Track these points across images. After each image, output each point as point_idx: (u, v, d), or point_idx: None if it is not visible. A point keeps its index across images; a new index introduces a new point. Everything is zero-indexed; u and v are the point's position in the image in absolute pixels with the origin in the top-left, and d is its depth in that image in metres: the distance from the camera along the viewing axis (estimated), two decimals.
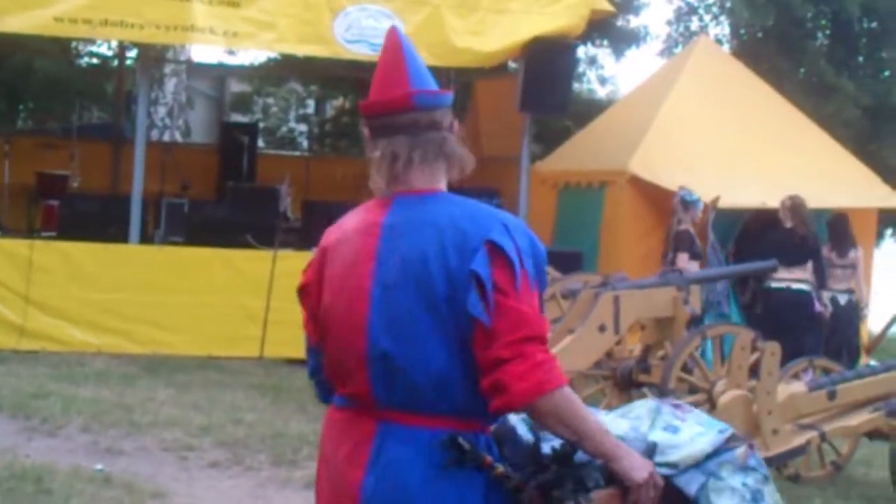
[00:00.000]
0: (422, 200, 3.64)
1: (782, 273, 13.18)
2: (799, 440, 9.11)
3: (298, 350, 14.66)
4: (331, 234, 3.80)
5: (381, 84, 3.69)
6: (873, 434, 9.56)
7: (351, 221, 3.76)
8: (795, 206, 13.59)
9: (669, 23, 26.67)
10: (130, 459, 9.12)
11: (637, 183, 15.44)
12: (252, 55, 28.38)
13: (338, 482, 3.65)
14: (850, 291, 14.19)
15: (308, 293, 3.83)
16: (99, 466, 8.72)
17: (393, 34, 3.75)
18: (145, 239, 14.72)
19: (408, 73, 3.67)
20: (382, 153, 3.64)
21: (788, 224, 13.60)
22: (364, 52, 14.75)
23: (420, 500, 3.53)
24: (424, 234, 3.56)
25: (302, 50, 16.09)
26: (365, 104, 3.72)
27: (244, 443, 9.82)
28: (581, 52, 24.57)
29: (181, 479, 8.68)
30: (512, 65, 16.96)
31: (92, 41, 24.40)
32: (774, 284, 13.48)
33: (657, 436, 3.77)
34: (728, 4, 24.60)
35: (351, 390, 3.66)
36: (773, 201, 14.04)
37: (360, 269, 3.62)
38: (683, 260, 13.14)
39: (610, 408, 11.27)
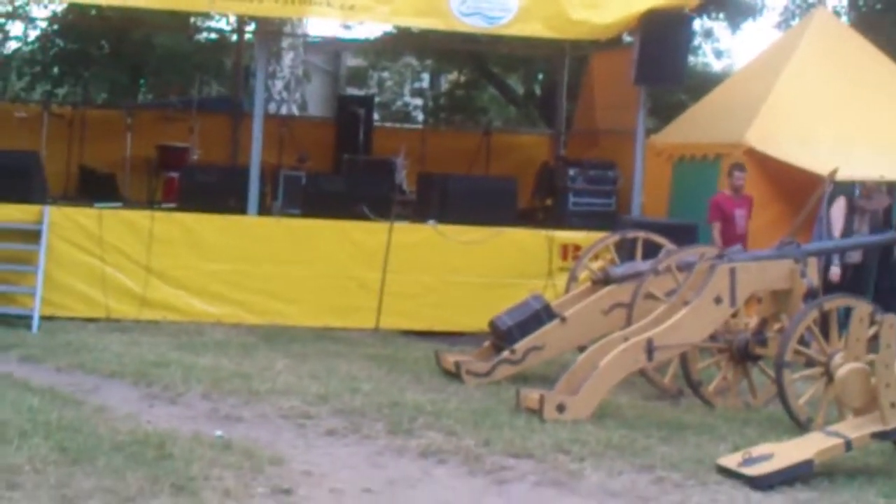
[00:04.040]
0: None
1: None
2: None
3: (414, 321, 14.77)
4: None
5: None
6: None
7: None
8: None
9: None
10: (249, 426, 9.27)
11: (753, 155, 15.29)
12: (367, 30, 28.57)
13: None
14: None
15: None
16: (219, 433, 8.87)
17: None
18: (263, 211, 14.87)
19: None
20: None
21: None
22: (479, 25, 14.79)
23: None
24: None
25: (417, 23, 16.16)
26: None
27: (361, 411, 9.91)
28: (697, 24, 24.38)
29: (299, 446, 8.80)
30: (627, 38, 16.87)
31: (210, 16, 24.66)
32: None
33: None
34: None
35: None
36: (891, 174, 13.89)
37: None
38: None
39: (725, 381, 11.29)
